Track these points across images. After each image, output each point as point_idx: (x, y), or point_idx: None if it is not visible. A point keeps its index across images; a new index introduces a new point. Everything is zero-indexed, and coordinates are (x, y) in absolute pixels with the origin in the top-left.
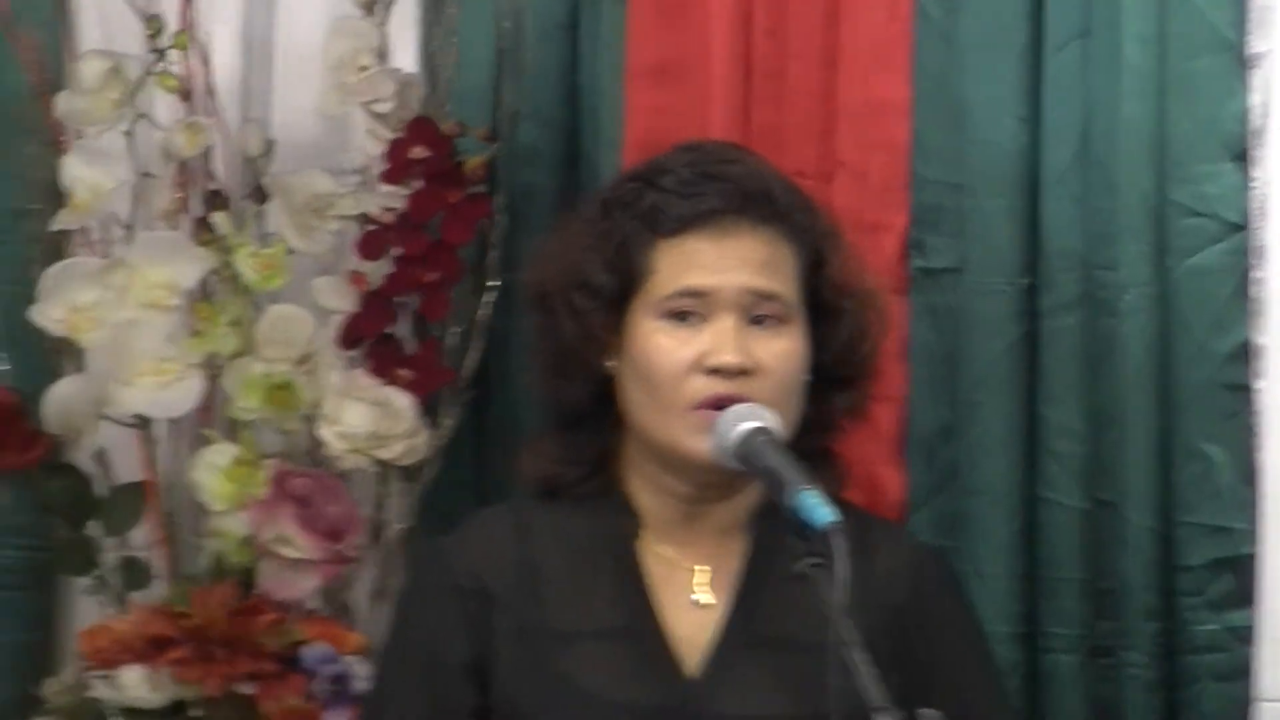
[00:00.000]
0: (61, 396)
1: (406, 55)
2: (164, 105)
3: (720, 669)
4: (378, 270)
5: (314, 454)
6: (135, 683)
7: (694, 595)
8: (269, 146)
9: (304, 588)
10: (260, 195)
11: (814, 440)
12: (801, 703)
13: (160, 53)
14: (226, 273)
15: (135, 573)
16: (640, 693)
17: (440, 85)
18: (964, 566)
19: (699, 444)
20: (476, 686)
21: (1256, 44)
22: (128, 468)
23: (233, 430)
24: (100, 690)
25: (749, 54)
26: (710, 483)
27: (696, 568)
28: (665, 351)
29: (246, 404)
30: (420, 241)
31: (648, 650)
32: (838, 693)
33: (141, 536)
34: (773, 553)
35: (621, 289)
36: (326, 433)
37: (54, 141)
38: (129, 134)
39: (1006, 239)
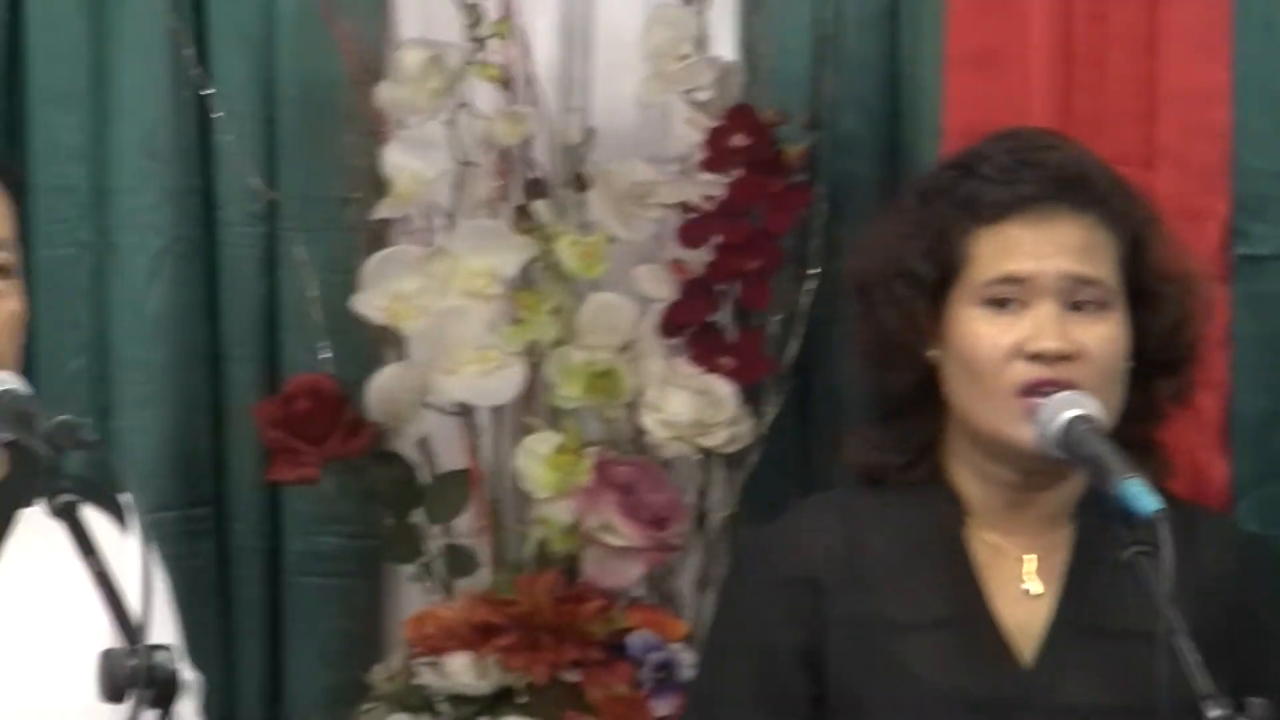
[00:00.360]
0: (384, 385)
1: (726, 43)
2: (484, 94)
3: (1054, 658)
4: (698, 258)
5: (636, 442)
6: (461, 670)
7: (1024, 584)
8: (589, 135)
9: (628, 575)
10: (580, 183)
11: (1137, 428)
12: (1133, 692)
13: (480, 41)
14: (547, 261)
15: (460, 560)
16: (976, 682)
17: (760, 73)
18: None
19: (1022, 432)
20: (810, 675)
21: None
22: (451, 456)
23: (555, 418)
24: (426, 677)
25: (1069, 40)
26: (1034, 470)
27: (1024, 556)
28: (985, 339)
29: (568, 392)
30: (741, 230)
31: (982, 640)
32: (1166, 681)
33: (465, 524)
34: (1099, 541)
35: (941, 277)
36: (649, 420)
37: (375, 131)
38: (449, 123)
39: None
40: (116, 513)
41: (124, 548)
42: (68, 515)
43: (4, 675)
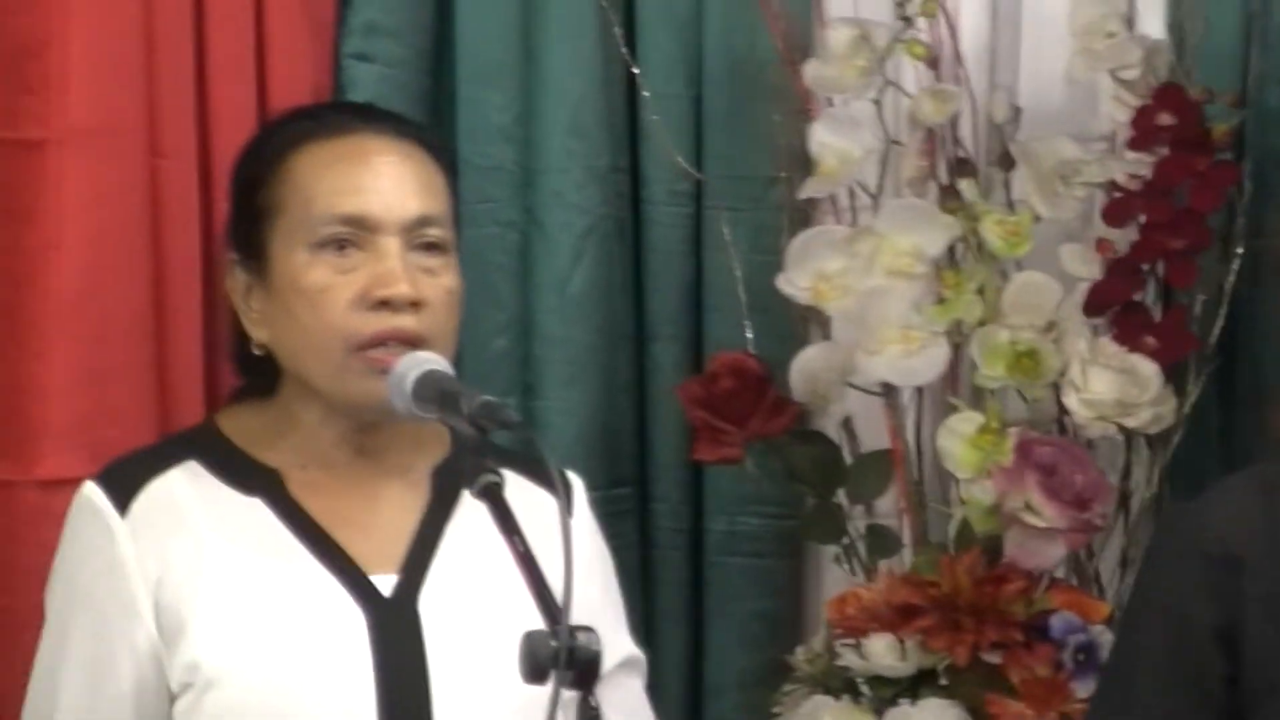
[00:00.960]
0: (807, 364)
1: (1153, 21)
2: (911, 72)
3: None
4: (1124, 237)
5: (1059, 422)
6: (882, 651)
7: None
8: (1015, 113)
9: (1050, 556)
10: (1007, 162)
11: None
12: None
13: (908, 20)
14: (972, 240)
15: (882, 541)
16: None
17: (1187, 51)
18: None
19: None
20: (1226, 654)
21: None
22: (873, 435)
23: (978, 398)
24: (847, 658)
25: None
26: None
27: None
28: None
29: (992, 371)
30: (1167, 208)
31: None
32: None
33: (887, 504)
34: None
35: None
36: (1072, 400)
37: (802, 109)
38: (876, 102)
39: None
40: (562, 492)
41: (571, 528)
42: (492, 496)
43: (448, 655)
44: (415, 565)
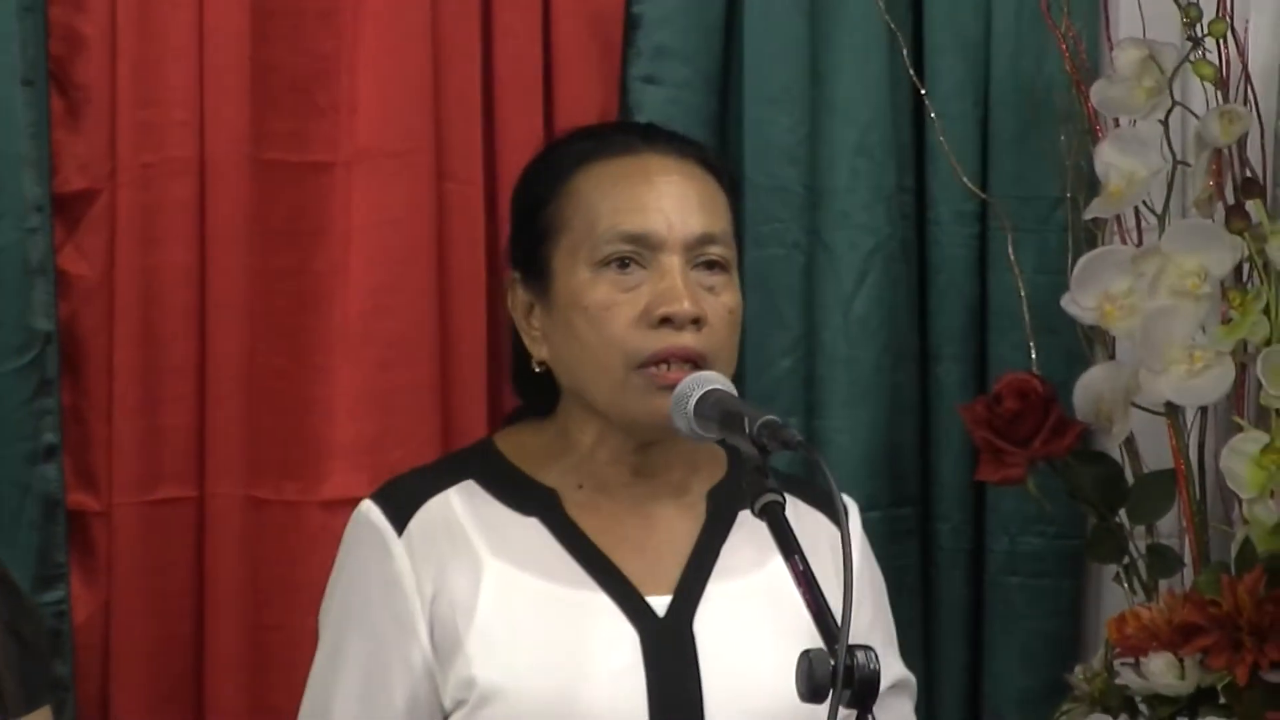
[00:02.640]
0: (1091, 385)
1: None
2: (1199, 93)
3: None
4: None
5: None
6: (1161, 669)
7: None
8: None
9: None
10: None
11: None
12: None
13: (1196, 40)
14: (1259, 260)
15: (1163, 560)
16: None
17: None
18: None
19: None
20: None
21: None
22: (1155, 455)
23: (1263, 417)
24: (1126, 677)
25: None
26: None
27: None
28: None
29: (1277, 391)
30: None
31: None
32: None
33: (1168, 524)
34: None
35: None
36: None
37: (1089, 130)
38: (1164, 122)
39: None
40: (834, 513)
41: (852, 548)
42: (772, 515)
43: (722, 676)
44: (690, 586)
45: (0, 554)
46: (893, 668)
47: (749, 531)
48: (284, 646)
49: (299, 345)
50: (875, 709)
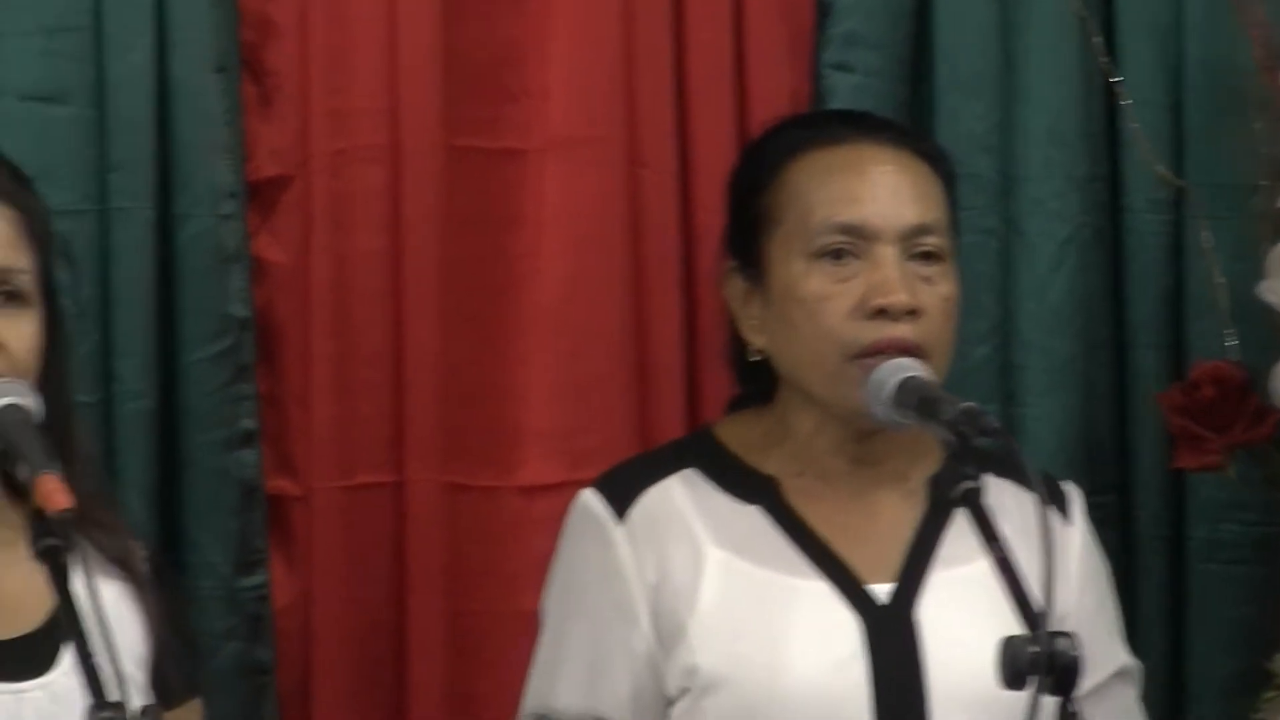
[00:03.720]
0: None
1: None
2: None
3: None
4: None
5: None
6: None
7: None
8: None
9: None
10: None
11: None
12: None
13: None
14: None
15: None
16: None
17: None
18: None
19: None
20: None
21: None
22: None
23: None
24: None
25: None
26: None
27: None
28: None
29: None
30: None
31: None
32: None
33: None
34: None
35: None
36: None
37: None
38: None
39: None
40: (1044, 498)
41: (1054, 532)
42: (970, 502)
43: (945, 664)
44: (912, 574)
45: (201, 539)
46: (1117, 656)
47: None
48: (483, 631)
49: (492, 332)
50: (1100, 697)
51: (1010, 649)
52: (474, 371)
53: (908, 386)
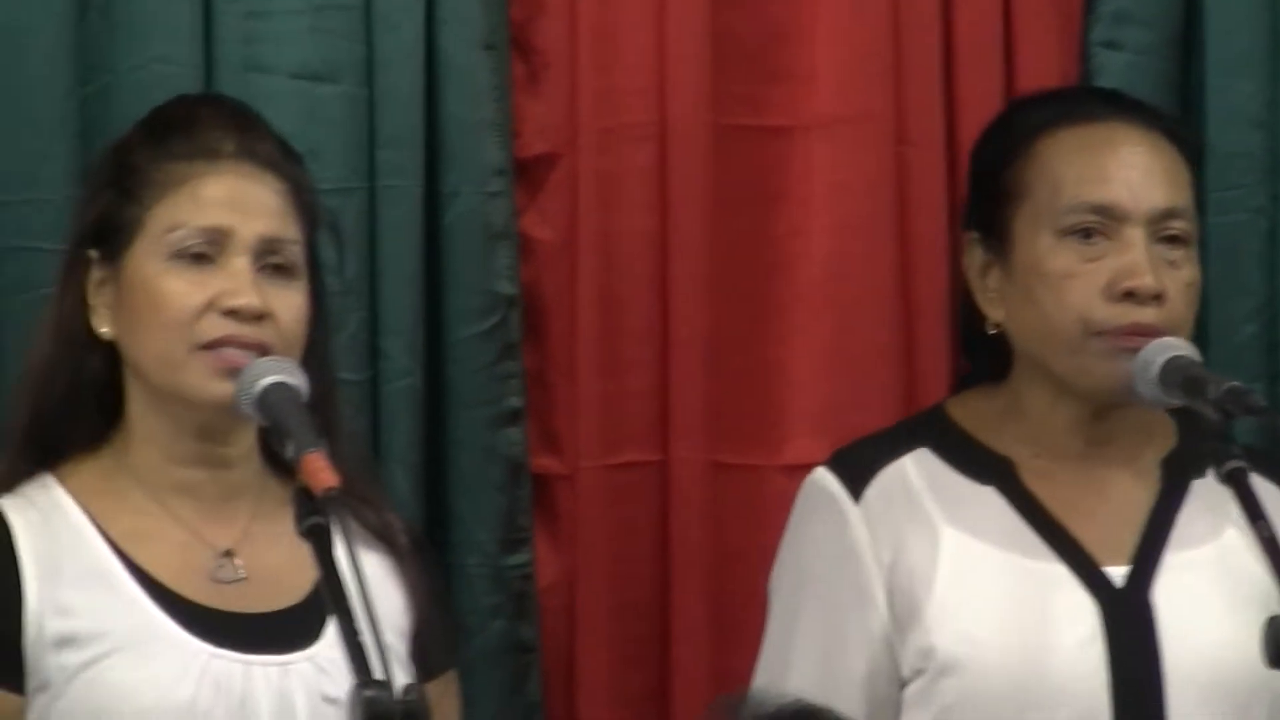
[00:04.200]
0: None
1: None
2: None
3: None
4: None
5: None
6: None
7: None
8: None
9: None
10: None
11: None
12: None
13: None
14: None
15: None
16: None
17: None
18: None
19: None
20: None
21: None
22: None
23: None
24: None
25: None
26: None
27: None
28: None
29: None
30: None
31: None
32: None
33: None
34: None
35: None
36: None
37: None
38: None
39: None
40: None
41: None
42: (1237, 482)
43: (1182, 646)
44: (1147, 556)
45: (467, 517)
46: None
47: (1204, 501)
48: (746, 611)
49: (759, 310)
50: None
51: (1276, 627)
52: (739, 349)
53: (1174, 365)
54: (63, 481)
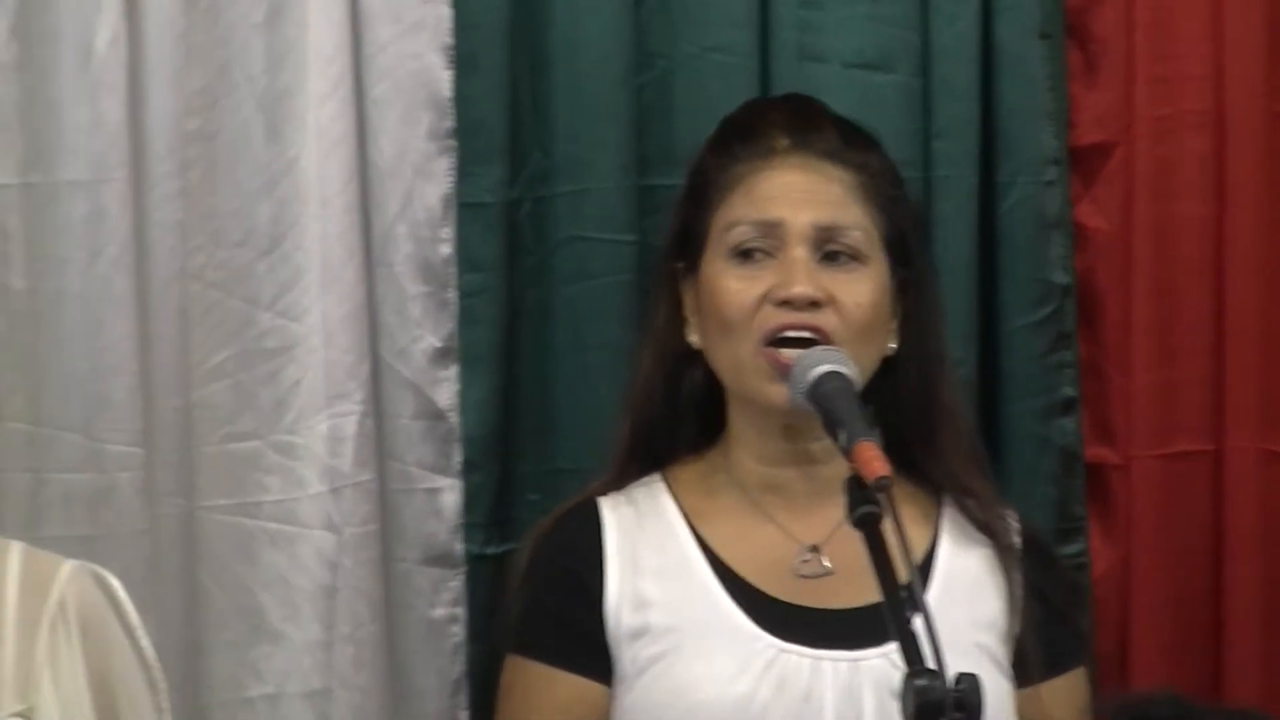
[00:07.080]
0: None
1: None
2: None
3: None
4: None
5: None
6: None
7: None
8: None
9: None
10: None
11: None
12: None
13: None
14: None
15: None
16: None
17: None
18: None
19: None
20: None
21: None
22: None
23: None
24: None
25: None
26: None
27: None
28: None
29: None
30: None
31: None
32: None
33: None
34: None
35: None
36: None
37: None
38: None
39: None
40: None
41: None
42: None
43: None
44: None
45: (1021, 506)
46: None
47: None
48: None
49: None
50: None
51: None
52: None
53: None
54: (668, 481)
